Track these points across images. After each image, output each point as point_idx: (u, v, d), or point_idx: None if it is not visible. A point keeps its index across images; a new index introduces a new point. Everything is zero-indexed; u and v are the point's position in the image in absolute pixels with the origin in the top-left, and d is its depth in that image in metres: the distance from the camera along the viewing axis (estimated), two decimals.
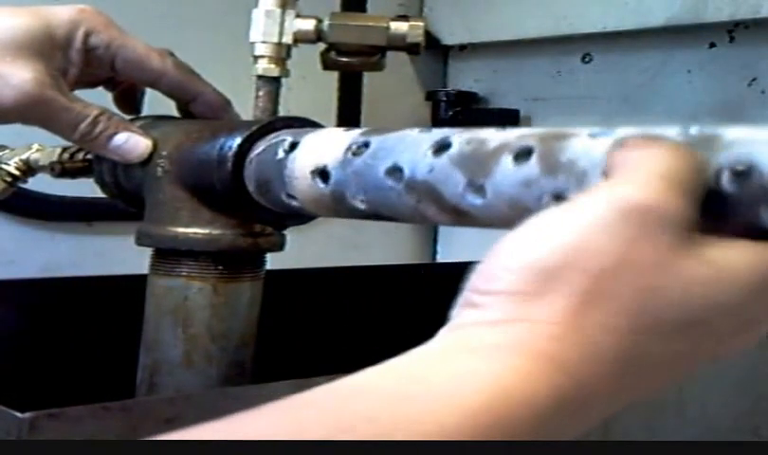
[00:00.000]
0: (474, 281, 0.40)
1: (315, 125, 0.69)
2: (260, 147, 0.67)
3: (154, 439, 0.35)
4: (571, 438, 0.38)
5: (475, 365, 0.37)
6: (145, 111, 0.81)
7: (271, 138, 0.67)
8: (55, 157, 0.80)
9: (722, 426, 0.87)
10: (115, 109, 0.78)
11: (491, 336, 0.38)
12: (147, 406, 0.62)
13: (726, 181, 0.41)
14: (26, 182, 0.84)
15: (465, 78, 1.44)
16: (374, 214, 0.60)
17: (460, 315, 0.39)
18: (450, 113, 1.39)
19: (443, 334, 0.39)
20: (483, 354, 0.37)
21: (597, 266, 0.38)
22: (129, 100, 0.80)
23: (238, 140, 0.67)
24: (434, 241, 1.47)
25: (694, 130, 0.43)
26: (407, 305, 1.06)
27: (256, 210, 0.68)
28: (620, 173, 0.41)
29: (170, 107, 0.79)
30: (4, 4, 0.72)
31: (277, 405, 0.35)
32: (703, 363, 0.42)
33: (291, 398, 0.36)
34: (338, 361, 0.73)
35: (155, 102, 0.80)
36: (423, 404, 0.35)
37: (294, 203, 0.64)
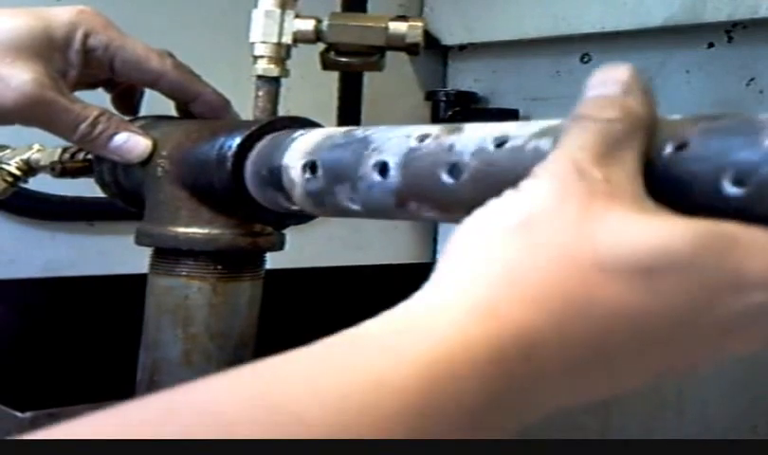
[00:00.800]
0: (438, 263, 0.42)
1: (314, 125, 0.70)
2: (259, 147, 0.67)
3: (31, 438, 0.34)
4: (539, 407, 0.38)
5: (417, 322, 0.38)
6: (145, 111, 0.81)
7: (270, 138, 0.67)
8: (55, 157, 0.80)
9: (720, 424, 0.87)
10: (113, 110, 0.78)
11: (435, 296, 0.39)
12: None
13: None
14: (26, 182, 0.84)
15: (464, 78, 1.44)
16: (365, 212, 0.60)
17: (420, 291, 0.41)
18: (450, 113, 1.39)
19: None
20: (424, 312, 0.38)
21: (536, 229, 0.39)
22: (127, 100, 0.80)
23: (238, 140, 0.67)
24: (434, 240, 1.47)
25: None
26: None
27: (255, 210, 0.69)
28: (563, 147, 0.42)
29: (168, 107, 0.80)
30: (3, 5, 0.72)
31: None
32: (686, 342, 0.40)
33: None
34: None
35: (154, 103, 0.81)
36: (373, 355, 0.36)
37: (287, 203, 0.64)
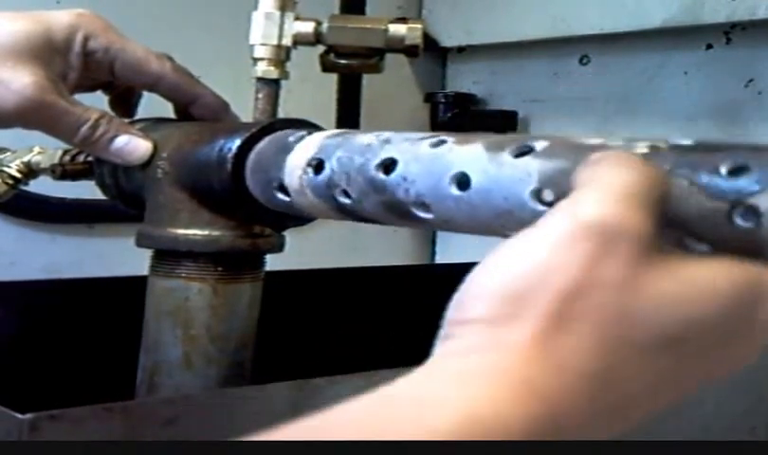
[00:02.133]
0: (450, 313, 0.40)
1: (314, 127, 0.70)
2: (259, 148, 0.67)
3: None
4: None
5: (444, 392, 0.36)
6: (143, 113, 0.81)
7: (270, 139, 0.67)
8: (56, 160, 0.80)
9: (718, 426, 0.87)
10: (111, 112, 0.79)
11: (462, 364, 0.37)
12: (147, 407, 0.63)
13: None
14: (27, 184, 0.84)
15: (463, 79, 1.44)
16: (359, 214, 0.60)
17: (439, 348, 0.39)
18: (449, 114, 1.39)
19: (422, 367, 0.38)
20: (453, 382, 0.36)
21: (562, 286, 0.38)
22: (125, 102, 0.80)
23: (238, 142, 0.68)
24: (433, 242, 1.48)
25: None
26: (406, 306, 1.06)
27: (255, 212, 0.69)
28: (581, 191, 0.41)
29: (167, 110, 0.80)
30: (3, 8, 0.72)
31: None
32: (693, 385, 0.41)
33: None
34: (338, 362, 0.73)
35: (153, 105, 0.81)
36: (387, 427, 0.34)
37: (285, 198, 0.65)
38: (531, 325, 0.37)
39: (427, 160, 0.54)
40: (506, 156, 0.50)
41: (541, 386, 0.36)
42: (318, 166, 0.61)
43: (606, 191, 0.40)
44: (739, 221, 0.40)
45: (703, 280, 0.40)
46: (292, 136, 0.65)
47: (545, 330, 0.37)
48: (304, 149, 0.63)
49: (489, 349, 0.37)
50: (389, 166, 0.56)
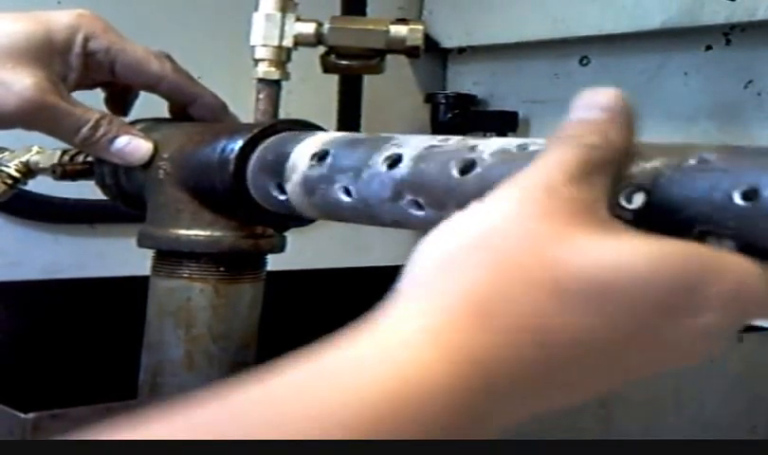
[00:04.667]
0: (399, 281, 0.41)
1: (315, 128, 0.70)
2: (260, 149, 0.68)
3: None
4: (493, 429, 0.38)
5: (374, 356, 0.37)
6: (140, 112, 0.81)
7: (271, 141, 0.67)
8: (55, 160, 0.80)
9: (719, 425, 0.87)
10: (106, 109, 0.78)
11: (395, 331, 0.38)
12: (149, 407, 0.63)
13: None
14: (25, 184, 0.84)
15: (463, 80, 1.44)
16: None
17: (380, 313, 0.40)
18: (449, 115, 1.39)
19: (359, 331, 0.39)
20: (385, 346, 0.37)
21: (499, 241, 0.39)
22: (120, 100, 0.80)
23: (240, 143, 0.68)
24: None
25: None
26: None
27: (257, 212, 0.69)
28: (526, 169, 0.42)
29: (162, 109, 0.80)
30: (3, 8, 0.72)
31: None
32: (631, 360, 0.41)
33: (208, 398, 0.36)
34: None
35: (148, 104, 0.81)
36: (324, 392, 0.36)
37: (283, 197, 0.65)
38: (460, 286, 0.38)
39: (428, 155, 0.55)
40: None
41: (469, 345, 0.37)
42: (323, 155, 0.61)
43: (546, 165, 0.41)
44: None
45: (644, 246, 0.40)
46: (292, 137, 0.65)
47: (477, 287, 0.38)
48: (316, 142, 0.63)
49: (420, 314, 0.38)
50: (396, 161, 0.57)
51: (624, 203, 0.43)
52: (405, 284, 0.41)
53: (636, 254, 0.39)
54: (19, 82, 0.69)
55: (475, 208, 0.41)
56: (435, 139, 0.56)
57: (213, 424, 0.35)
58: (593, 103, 0.44)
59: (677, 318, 0.40)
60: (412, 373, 0.36)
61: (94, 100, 0.77)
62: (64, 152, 0.80)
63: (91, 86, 0.78)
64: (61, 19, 0.72)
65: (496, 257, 0.39)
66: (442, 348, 0.37)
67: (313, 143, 0.63)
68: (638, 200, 0.43)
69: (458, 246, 0.40)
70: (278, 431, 0.34)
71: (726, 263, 0.41)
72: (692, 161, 0.43)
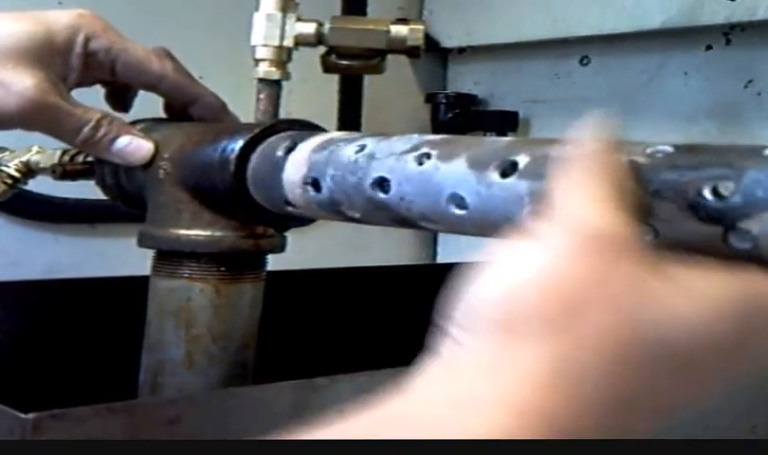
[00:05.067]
0: (454, 315, 0.39)
1: (316, 128, 0.70)
2: (260, 149, 0.68)
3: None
4: None
5: (457, 420, 0.35)
6: (143, 112, 0.81)
7: (271, 141, 0.68)
8: (55, 160, 0.80)
9: (719, 425, 0.87)
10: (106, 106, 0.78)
11: (475, 388, 0.36)
12: (150, 406, 0.63)
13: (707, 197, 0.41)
14: (26, 184, 0.84)
15: (464, 80, 1.44)
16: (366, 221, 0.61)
17: (445, 349, 0.38)
18: (450, 115, 1.40)
19: (425, 372, 0.38)
20: (466, 409, 0.36)
21: (574, 299, 0.37)
22: (120, 97, 0.80)
23: (240, 143, 0.68)
24: (434, 241, 1.48)
25: None
26: (407, 306, 1.07)
27: (257, 212, 0.69)
28: (568, 201, 0.40)
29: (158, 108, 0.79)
30: (3, 8, 0.72)
31: None
32: (695, 401, 0.40)
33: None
34: (339, 362, 0.74)
35: (146, 103, 0.81)
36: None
37: (290, 209, 0.65)
38: (541, 345, 0.36)
39: (417, 181, 0.54)
40: (494, 176, 0.50)
41: (552, 412, 0.36)
42: (314, 184, 0.61)
43: (592, 199, 0.39)
44: (735, 243, 0.40)
45: (705, 293, 0.39)
46: (280, 149, 0.65)
47: (555, 351, 0.36)
48: (296, 166, 0.63)
49: (501, 370, 0.36)
50: (383, 184, 0.57)
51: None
52: (466, 321, 0.38)
53: (708, 309, 0.38)
54: (20, 83, 0.69)
55: (531, 252, 0.39)
56: (407, 153, 0.56)
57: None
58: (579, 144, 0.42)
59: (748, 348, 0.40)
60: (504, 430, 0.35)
61: (94, 99, 0.77)
62: (65, 152, 0.80)
63: (91, 84, 0.78)
64: (61, 19, 0.72)
65: (583, 329, 0.37)
66: (521, 414, 0.35)
67: (297, 166, 0.63)
68: None
69: (527, 297, 0.37)
70: None
71: None
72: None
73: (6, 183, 0.82)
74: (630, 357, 0.37)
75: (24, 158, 0.82)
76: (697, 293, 0.39)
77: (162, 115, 0.80)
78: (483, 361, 0.37)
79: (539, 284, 0.38)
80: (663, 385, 0.38)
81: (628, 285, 0.37)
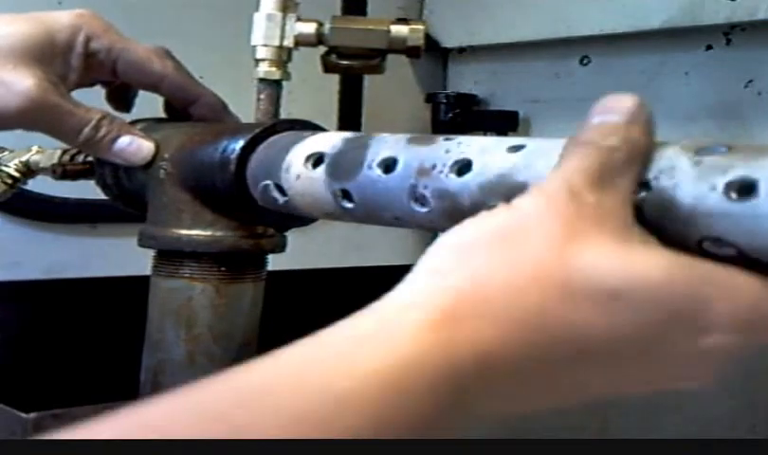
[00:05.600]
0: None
1: (316, 128, 0.70)
2: (261, 149, 0.68)
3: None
4: (480, 419, 0.39)
5: (380, 333, 0.38)
6: (143, 112, 0.81)
7: (272, 140, 0.68)
8: (55, 160, 0.80)
9: (719, 424, 0.88)
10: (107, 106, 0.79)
11: (401, 309, 0.39)
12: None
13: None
14: (25, 183, 0.84)
15: (464, 80, 1.44)
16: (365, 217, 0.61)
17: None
18: (450, 115, 1.40)
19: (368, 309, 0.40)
20: (386, 325, 0.38)
21: (512, 238, 0.40)
22: (122, 97, 0.80)
23: (241, 143, 0.68)
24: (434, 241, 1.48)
25: None
26: None
27: (258, 212, 0.69)
28: (550, 175, 0.43)
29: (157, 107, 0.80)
30: (4, 8, 0.72)
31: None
32: (633, 371, 0.41)
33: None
34: None
35: (144, 102, 0.81)
36: (316, 367, 0.37)
37: (284, 199, 0.65)
38: (471, 274, 0.39)
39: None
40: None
41: (470, 332, 0.38)
42: (318, 160, 0.61)
43: (568, 169, 0.42)
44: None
45: (660, 257, 0.40)
46: (281, 150, 0.65)
47: (482, 279, 0.39)
48: (310, 145, 0.63)
49: (426, 296, 0.39)
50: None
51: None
52: (417, 268, 0.41)
53: (650, 264, 0.40)
54: (21, 83, 0.69)
55: (499, 208, 0.42)
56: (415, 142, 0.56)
57: (219, 402, 0.36)
58: (611, 107, 0.44)
59: (683, 334, 0.40)
60: (409, 353, 0.37)
61: (94, 97, 0.77)
62: (64, 151, 0.80)
63: (91, 85, 0.78)
64: (62, 19, 0.72)
65: (511, 251, 0.39)
66: (443, 331, 0.37)
67: (308, 146, 0.63)
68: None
69: (475, 239, 0.41)
70: (283, 411, 0.35)
71: (739, 283, 0.40)
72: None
73: (5, 183, 0.82)
74: (548, 288, 0.39)
75: (23, 158, 0.82)
76: (646, 256, 0.40)
77: (162, 115, 0.80)
78: (419, 273, 0.41)
79: (491, 225, 0.41)
80: (583, 316, 0.39)
81: (576, 237, 0.39)
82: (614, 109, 0.44)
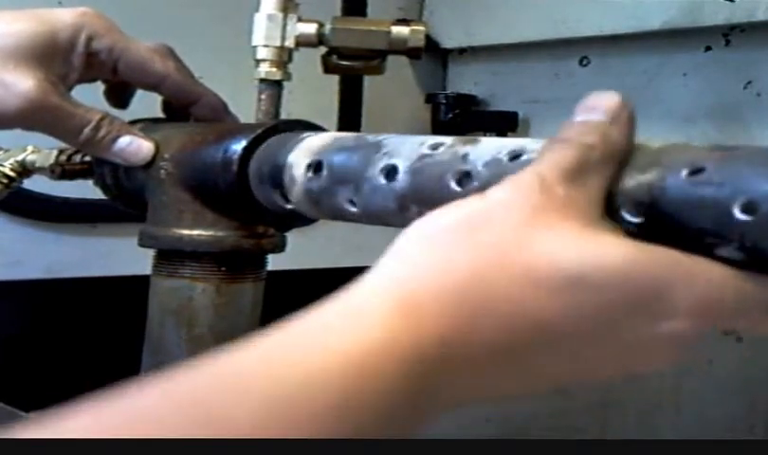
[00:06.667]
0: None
1: (316, 128, 0.70)
2: (261, 149, 0.68)
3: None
4: (446, 404, 0.39)
5: (347, 321, 0.38)
6: (143, 112, 0.81)
7: (272, 140, 0.68)
8: (52, 160, 0.80)
9: (718, 425, 0.88)
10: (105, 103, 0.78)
11: (370, 296, 0.40)
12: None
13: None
14: (21, 183, 0.84)
15: (464, 81, 1.44)
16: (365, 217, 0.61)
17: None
18: (450, 115, 1.40)
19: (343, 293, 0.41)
20: (357, 311, 0.39)
21: (478, 226, 0.40)
22: (120, 94, 0.80)
23: (243, 143, 0.68)
24: None
25: None
26: None
27: (259, 212, 0.69)
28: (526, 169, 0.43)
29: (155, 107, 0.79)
30: (5, 6, 0.72)
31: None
32: (590, 353, 0.41)
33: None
34: None
35: (148, 103, 0.81)
36: (290, 354, 0.37)
37: (284, 201, 0.65)
38: (437, 261, 0.40)
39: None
40: None
41: (436, 319, 0.38)
42: (318, 166, 0.62)
43: (542, 163, 0.43)
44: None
45: (623, 247, 0.41)
46: (298, 135, 0.66)
47: (448, 266, 0.40)
48: (308, 149, 0.63)
49: (393, 284, 0.40)
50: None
51: (627, 217, 0.43)
52: (386, 256, 0.42)
53: (611, 250, 0.40)
54: (21, 83, 0.69)
55: (470, 197, 0.42)
56: (425, 146, 0.56)
57: (191, 392, 0.36)
58: (594, 106, 0.45)
59: (643, 319, 0.41)
60: (378, 338, 0.37)
61: (94, 96, 0.77)
62: (61, 151, 0.80)
63: (91, 81, 0.78)
64: (64, 18, 0.72)
65: (476, 238, 0.40)
66: (411, 318, 0.38)
67: (310, 147, 0.63)
68: (639, 215, 0.43)
69: (444, 226, 0.41)
70: (254, 394, 0.35)
71: (699, 270, 0.41)
72: (685, 172, 0.43)
73: (1, 183, 0.82)
74: (510, 273, 0.39)
75: (19, 158, 0.82)
76: (610, 245, 0.41)
77: (161, 114, 0.80)
78: (387, 260, 0.42)
79: (459, 214, 0.41)
80: (544, 302, 0.40)
81: (542, 226, 0.40)
82: (597, 108, 0.45)
